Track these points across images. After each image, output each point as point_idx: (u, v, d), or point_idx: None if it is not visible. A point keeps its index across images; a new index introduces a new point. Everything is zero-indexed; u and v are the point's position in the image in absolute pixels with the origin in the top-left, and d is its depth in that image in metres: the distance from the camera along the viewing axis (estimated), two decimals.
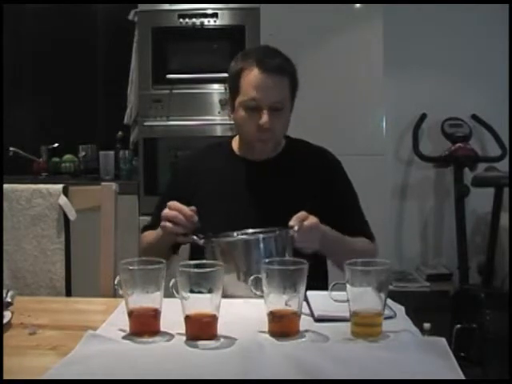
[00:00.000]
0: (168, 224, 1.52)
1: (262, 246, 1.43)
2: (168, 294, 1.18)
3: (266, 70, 1.63)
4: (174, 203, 1.53)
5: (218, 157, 1.81)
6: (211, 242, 1.46)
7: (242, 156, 1.78)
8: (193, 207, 1.53)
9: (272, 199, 1.70)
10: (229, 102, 1.75)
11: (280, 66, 1.65)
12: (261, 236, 1.44)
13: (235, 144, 1.81)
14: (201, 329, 1.14)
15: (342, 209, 1.73)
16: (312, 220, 1.50)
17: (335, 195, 1.75)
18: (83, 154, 3.70)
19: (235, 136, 1.83)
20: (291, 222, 1.47)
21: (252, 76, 1.64)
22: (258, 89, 1.63)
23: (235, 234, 1.53)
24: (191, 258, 1.63)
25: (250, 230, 1.52)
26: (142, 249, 1.80)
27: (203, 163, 1.80)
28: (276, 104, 1.64)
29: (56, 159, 3.73)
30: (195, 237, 1.50)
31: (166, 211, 1.53)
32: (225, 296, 1.18)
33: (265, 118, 1.63)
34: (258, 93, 1.63)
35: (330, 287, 1.22)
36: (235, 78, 1.68)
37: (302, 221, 1.47)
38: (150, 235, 1.74)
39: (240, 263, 1.42)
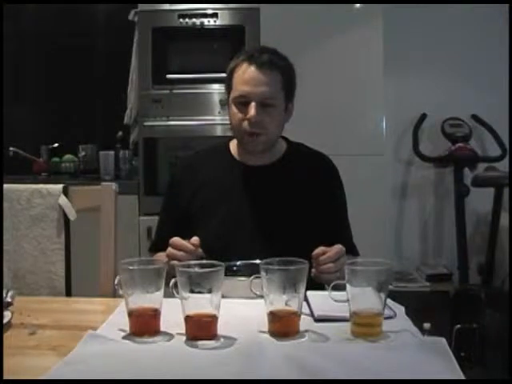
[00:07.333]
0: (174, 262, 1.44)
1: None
2: (168, 294, 1.18)
3: (255, 65, 1.63)
4: (176, 240, 1.47)
5: (218, 161, 1.78)
6: None
7: (241, 161, 1.76)
8: (195, 238, 1.47)
9: (271, 204, 1.69)
10: (226, 104, 1.74)
11: (270, 61, 1.65)
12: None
13: (234, 148, 1.79)
14: (201, 329, 1.14)
15: (334, 222, 1.73)
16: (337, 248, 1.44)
17: (330, 206, 1.73)
18: (83, 153, 3.70)
19: (233, 139, 1.80)
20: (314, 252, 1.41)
21: (241, 71, 1.65)
22: (246, 83, 1.63)
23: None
24: None
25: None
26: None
27: (202, 168, 1.77)
28: (266, 100, 1.63)
29: (56, 159, 3.73)
30: None
31: (170, 251, 1.47)
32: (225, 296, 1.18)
33: (252, 111, 1.62)
34: (246, 87, 1.63)
35: (329, 287, 1.22)
36: (229, 76, 1.70)
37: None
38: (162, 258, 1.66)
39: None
